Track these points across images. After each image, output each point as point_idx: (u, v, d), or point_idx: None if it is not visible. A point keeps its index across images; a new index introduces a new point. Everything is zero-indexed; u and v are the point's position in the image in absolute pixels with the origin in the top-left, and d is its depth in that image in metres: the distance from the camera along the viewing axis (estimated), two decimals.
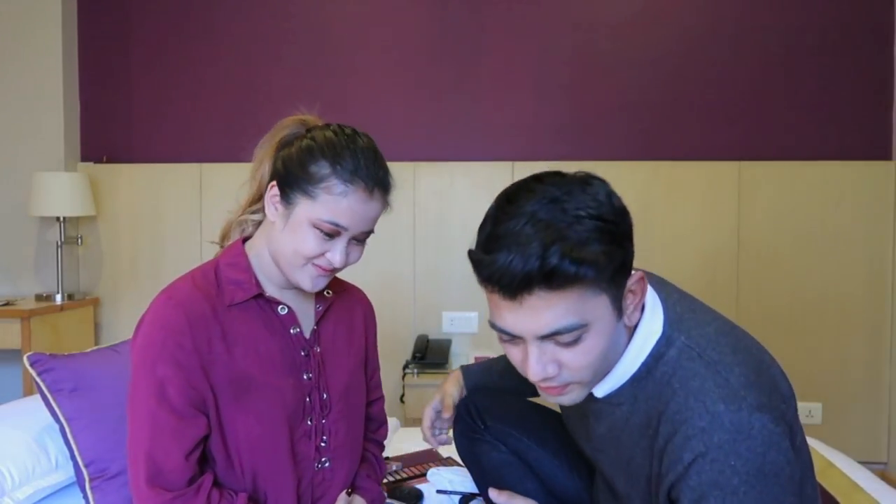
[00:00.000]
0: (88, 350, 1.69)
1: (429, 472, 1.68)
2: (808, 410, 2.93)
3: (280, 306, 1.17)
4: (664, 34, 3.02)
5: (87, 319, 3.04)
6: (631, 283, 0.91)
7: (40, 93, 3.05)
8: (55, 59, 3.05)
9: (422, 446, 1.90)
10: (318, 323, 1.22)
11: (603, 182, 0.90)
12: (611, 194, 0.89)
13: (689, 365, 0.93)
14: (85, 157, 3.18)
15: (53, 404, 1.46)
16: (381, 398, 1.41)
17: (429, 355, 2.86)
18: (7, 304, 2.82)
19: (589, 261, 0.83)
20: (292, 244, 1.09)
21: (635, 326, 0.97)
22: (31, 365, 1.48)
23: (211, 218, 3.09)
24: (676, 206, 2.98)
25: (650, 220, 2.97)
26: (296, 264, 1.10)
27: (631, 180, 2.98)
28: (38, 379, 1.47)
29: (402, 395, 2.84)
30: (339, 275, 1.35)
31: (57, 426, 1.47)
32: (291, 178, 1.10)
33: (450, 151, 3.09)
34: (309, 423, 1.18)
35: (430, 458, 1.82)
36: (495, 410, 1.42)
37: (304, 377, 1.18)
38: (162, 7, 3.15)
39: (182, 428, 1.07)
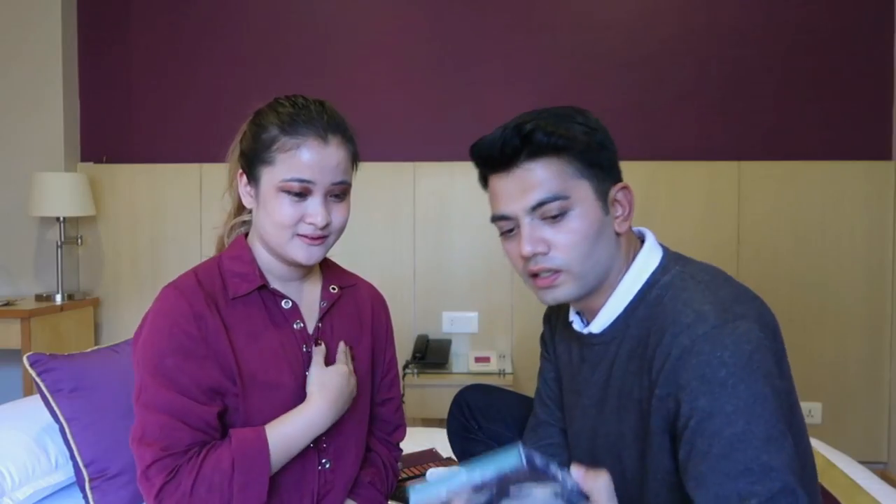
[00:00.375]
0: (88, 350, 1.69)
1: (428, 473, 1.68)
2: (808, 410, 2.93)
3: (284, 300, 1.16)
4: (664, 34, 3.02)
5: (87, 319, 3.04)
6: (615, 190, 1.03)
7: (40, 93, 3.05)
8: (55, 59, 3.05)
9: (422, 446, 1.90)
10: (322, 319, 1.20)
11: (595, 117, 1.05)
12: (597, 119, 1.04)
13: (680, 284, 0.99)
14: (85, 157, 3.18)
15: (53, 404, 1.46)
16: (395, 398, 1.33)
17: (429, 355, 2.86)
18: (7, 304, 2.82)
19: (560, 134, 0.98)
20: (270, 218, 1.09)
21: (633, 259, 1.04)
22: (31, 365, 1.48)
23: (211, 218, 3.09)
24: (677, 206, 2.98)
25: (650, 220, 2.94)
26: (282, 239, 1.09)
27: (631, 180, 2.96)
28: (37, 379, 1.47)
29: (402, 395, 2.84)
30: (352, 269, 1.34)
31: (57, 426, 1.47)
32: (250, 156, 1.11)
33: (450, 151, 3.09)
34: None
35: (429, 459, 1.82)
36: (489, 410, 1.42)
37: (306, 374, 1.15)
38: (162, 7, 3.15)
39: (197, 411, 1.05)
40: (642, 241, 1.09)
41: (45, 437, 1.54)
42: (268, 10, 3.12)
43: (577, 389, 1.15)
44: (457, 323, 3.04)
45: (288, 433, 1.09)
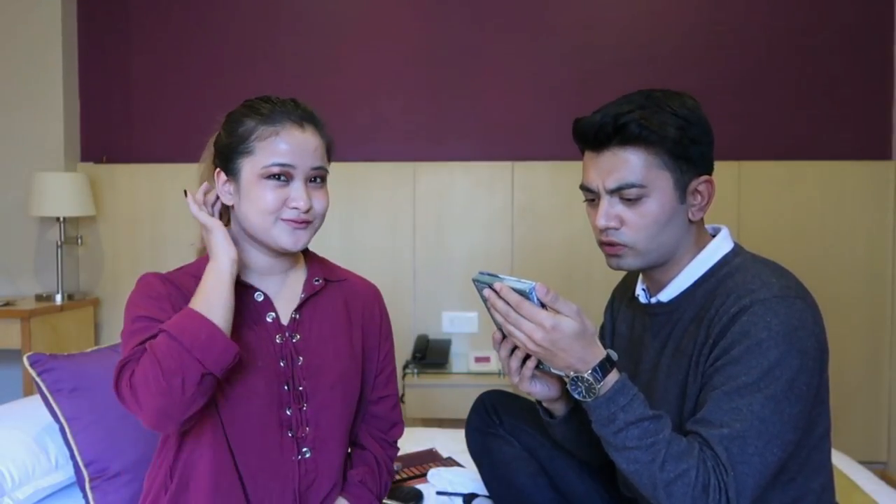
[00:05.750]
0: (88, 350, 1.69)
1: (429, 473, 1.68)
2: None
3: (256, 293, 1.18)
4: (664, 34, 3.02)
5: (87, 319, 3.04)
6: (698, 182, 1.10)
7: (40, 93, 3.05)
8: (55, 59, 3.04)
9: (422, 446, 1.90)
10: (299, 310, 1.20)
11: (695, 100, 1.11)
12: (699, 107, 1.10)
13: (751, 265, 1.09)
14: (85, 157, 3.18)
15: (53, 404, 1.46)
16: (391, 396, 1.33)
17: (429, 355, 2.86)
18: (7, 304, 2.82)
19: (653, 128, 1.04)
20: (254, 207, 1.12)
21: (706, 244, 1.14)
22: (31, 365, 1.48)
23: None
24: None
25: None
26: (267, 226, 1.12)
27: None
28: (38, 379, 1.47)
29: (402, 395, 2.84)
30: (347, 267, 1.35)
31: (57, 426, 1.47)
32: (226, 151, 1.15)
33: (450, 151, 3.09)
34: (287, 412, 1.16)
35: (429, 459, 1.82)
36: (511, 408, 1.44)
37: (280, 364, 1.17)
38: (162, 7, 3.15)
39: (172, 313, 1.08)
40: (713, 237, 1.17)
41: (45, 437, 1.54)
42: (268, 11, 3.12)
43: (636, 359, 1.22)
44: (457, 323, 3.04)
45: (202, 291, 1.08)
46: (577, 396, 1.02)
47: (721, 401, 0.99)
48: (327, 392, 1.20)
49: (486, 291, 1.03)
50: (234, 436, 1.13)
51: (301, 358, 1.19)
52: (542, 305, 0.99)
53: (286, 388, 1.17)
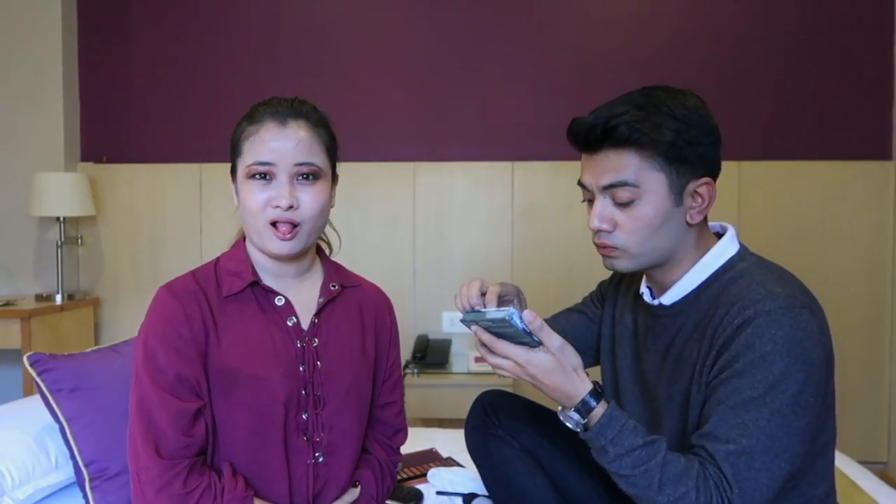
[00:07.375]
0: (88, 350, 1.69)
1: (429, 473, 1.68)
2: None
3: (277, 297, 1.18)
4: (663, 34, 3.02)
5: (87, 319, 3.04)
6: (697, 184, 1.07)
7: (40, 93, 3.05)
8: (55, 58, 3.05)
9: (422, 446, 1.90)
10: (318, 315, 1.21)
11: (700, 99, 1.08)
12: (702, 106, 1.07)
13: (756, 270, 1.07)
14: (85, 157, 3.18)
15: (53, 404, 1.46)
16: (396, 402, 1.33)
17: (429, 355, 2.86)
18: (7, 304, 2.82)
19: (644, 130, 1.03)
20: (244, 208, 1.12)
21: (710, 247, 1.12)
22: (31, 365, 1.48)
23: (211, 218, 3.09)
24: None
25: None
26: (258, 228, 1.12)
27: None
28: (38, 379, 1.47)
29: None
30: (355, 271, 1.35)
31: (57, 426, 1.47)
32: (231, 154, 1.17)
33: (450, 151, 3.09)
34: (304, 416, 1.16)
35: (430, 459, 1.82)
36: (510, 408, 1.44)
37: (300, 368, 1.16)
38: (162, 8, 3.15)
39: (178, 405, 1.09)
40: (718, 236, 1.15)
41: (45, 437, 1.54)
42: (268, 11, 3.12)
43: (637, 358, 1.23)
44: (457, 323, 3.04)
45: None
46: (571, 428, 1.05)
47: (727, 415, 0.98)
48: (343, 397, 1.20)
49: (474, 328, 1.05)
50: (251, 440, 1.13)
51: (320, 362, 1.18)
52: (529, 332, 1.00)
53: (304, 392, 1.16)
